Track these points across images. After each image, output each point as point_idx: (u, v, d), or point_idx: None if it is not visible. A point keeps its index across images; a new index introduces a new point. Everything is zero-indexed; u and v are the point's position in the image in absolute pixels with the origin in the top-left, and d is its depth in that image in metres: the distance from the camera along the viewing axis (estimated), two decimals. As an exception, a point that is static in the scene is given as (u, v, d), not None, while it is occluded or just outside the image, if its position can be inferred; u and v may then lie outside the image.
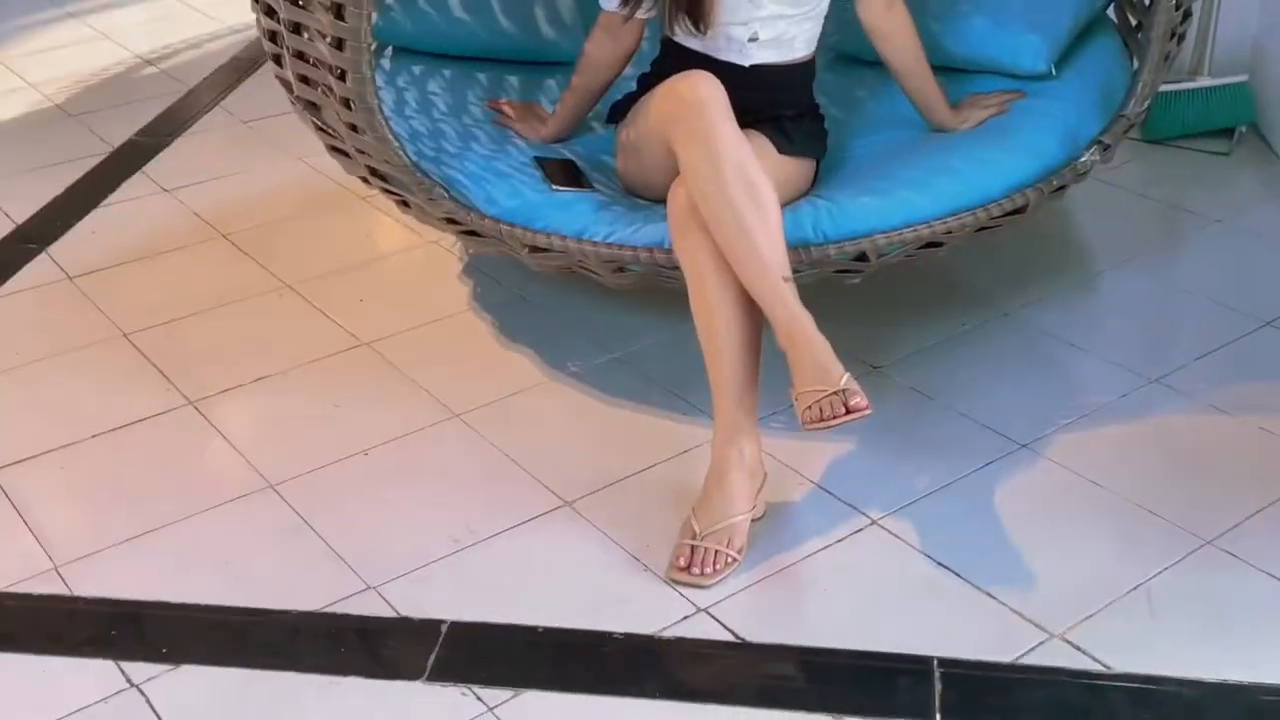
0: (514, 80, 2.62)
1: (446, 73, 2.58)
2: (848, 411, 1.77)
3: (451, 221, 2.22)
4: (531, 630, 1.79)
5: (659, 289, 2.23)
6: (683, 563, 1.86)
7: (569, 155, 2.37)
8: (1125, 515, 1.97)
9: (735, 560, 1.87)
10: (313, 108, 2.24)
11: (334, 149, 2.32)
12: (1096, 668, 1.70)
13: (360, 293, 2.67)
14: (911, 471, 2.07)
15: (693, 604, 1.82)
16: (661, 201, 2.15)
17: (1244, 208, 2.85)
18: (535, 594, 1.85)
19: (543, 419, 2.25)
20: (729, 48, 2.19)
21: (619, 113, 2.32)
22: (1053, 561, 1.87)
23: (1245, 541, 1.90)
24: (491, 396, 2.30)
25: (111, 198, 3.10)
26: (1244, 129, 3.10)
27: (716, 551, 1.86)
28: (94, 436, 2.23)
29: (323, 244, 2.87)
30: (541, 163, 2.30)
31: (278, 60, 2.28)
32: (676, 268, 2.06)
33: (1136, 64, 2.42)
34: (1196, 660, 1.70)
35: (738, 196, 1.90)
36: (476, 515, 2.01)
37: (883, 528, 1.96)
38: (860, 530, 1.96)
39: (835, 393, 1.78)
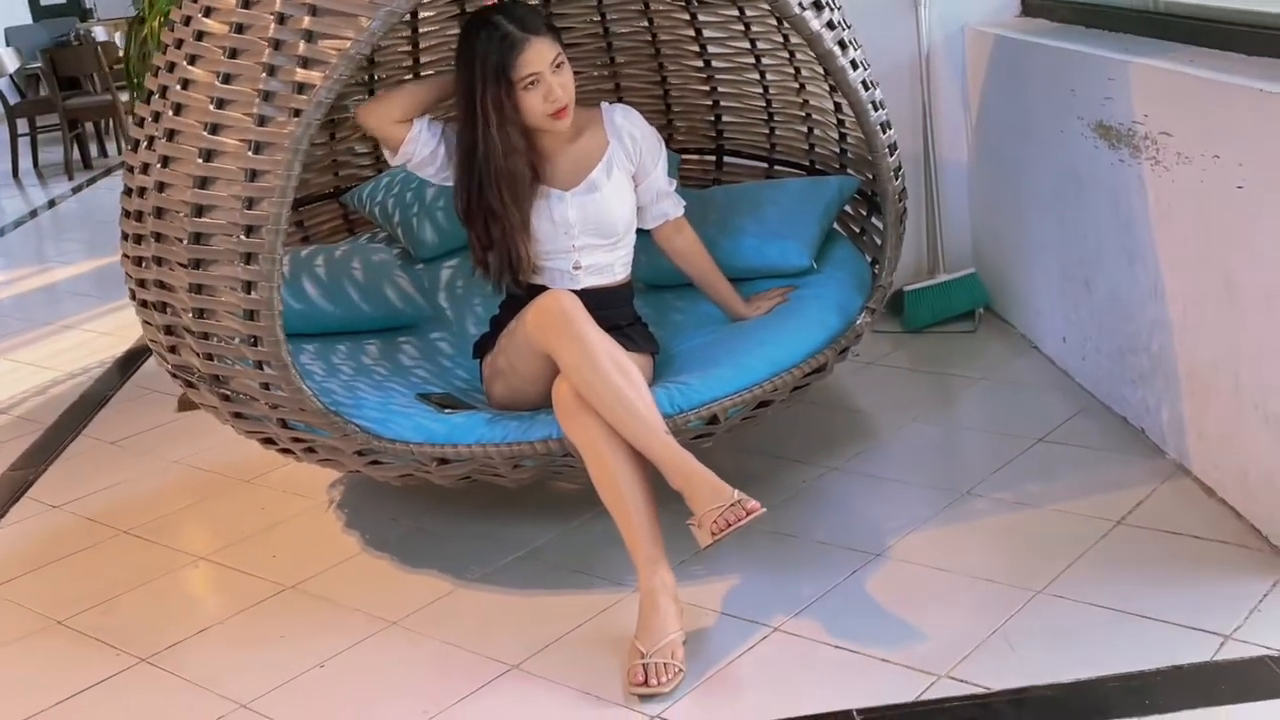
0: (372, 347, 3.01)
1: (310, 347, 2.93)
2: (747, 514, 2.17)
3: (361, 454, 2.56)
4: (514, 761, 2.06)
5: (551, 482, 2.61)
6: (639, 678, 2.18)
7: (444, 390, 2.78)
8: (971, 586, 2.41)
9: (681, 670, 2.20)
10: (217, 380, 2.56)
11: (237, 415, 2.63)
12: (980, 690, 2.09)
13: (271, 551, 2.93)
14: (794, 588, 2.46)
15: (646, 715, 2.14)
16: (537, 409, 2.57)
17: (997, 366, 3.47)
18: (507, 738, 2.13)
19: (470, 611, 2.55)
20: (561, 279, 2.68)
21: (482, 349, 2.75)
22: (926, 627, 2.28)
23: (1066, 586, 2.36)
24: (420, 604, 2.59)
25: (3, 522, 3.28)
26: (982, 310, 3.76)
27: (665, 664, 2.19)
28: (58, 703, 2.39)
29: (220, 522, 3.13)
30: (426, 397, 2.70)
31: (174, 350, 2.62)
32: (567, 455, 2.47)
33: (870, 256, 3.07)
34: (1053, 671, 2.11)
35: (613, 376, 2.34)
36: (436, 690, 2.28)
37: (784, 631, 2.33)
38: (766, 637, 2.32)
39: (733, 504, 2.18)
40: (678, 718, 2.12)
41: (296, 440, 2.58)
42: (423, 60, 3.31)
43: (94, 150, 9.88)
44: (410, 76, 3.31)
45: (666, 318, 3.01)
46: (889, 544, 2.58)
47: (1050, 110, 3.18)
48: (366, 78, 3.29)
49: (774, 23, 3.03)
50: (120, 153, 9.63)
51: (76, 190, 8.72)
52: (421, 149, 2.60)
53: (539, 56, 2.52)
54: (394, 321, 3.07)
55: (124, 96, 8.99)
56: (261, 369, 2.43)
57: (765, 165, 3.36)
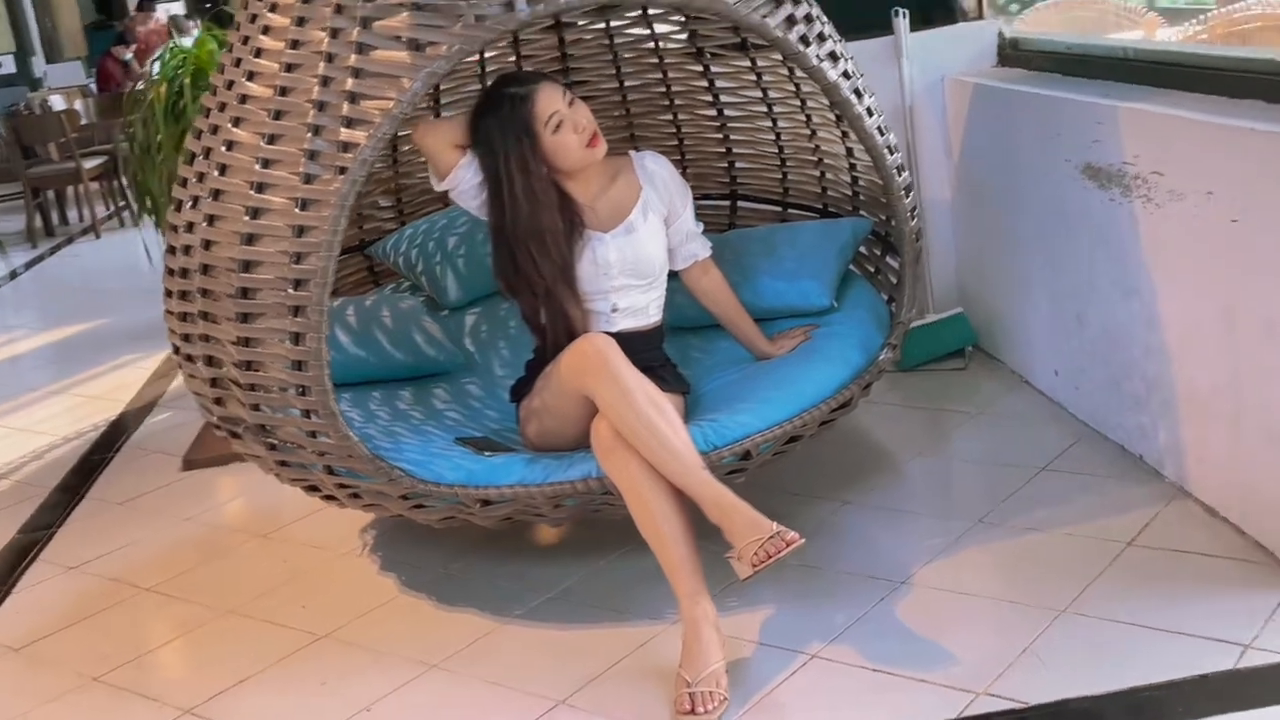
0: (405, 393, 3.09)
1: (347, 395, 2.99)
2: (787, 545, 2.25)
3: (406, 498, 2.63)
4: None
5: (588, 520, 2.71)
6: (686, 706, 2.25)
7: (482, 433, 2.85)
8: (996, 608, 2.51)
9: (726, 699, 2.27)
10: (263, 430, 2.63)
11: (283, 463, 2.70)
12: (1018, 705, 2.19)
13: (299, 601, 2.97)
14: (827, 618, 2.55)
15: (703, 738, 2.21)
16: (574, 449, 2.65)
17: (991, 401, 3.59)
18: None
19: (511, 650, 2.62)
20: (597, 321, 2.77)
21: (519, 392, 2.83)
22: (958, 648, 2.38)
23: (1088, 605, 2.46)
24: (458, 646, 2.65)
25: (21, 584, 3.29)
26: (970, 348, 3.90)
27: (710, 693, 2.26)
28: (108, 756, 2.43)
29: (243, 576, 3.16)
30: (465, 441, 2.78)
31: (219, 401, 2.69)
32: (607, 493, 2.55)
33: (887, 295, 3.18)
34: (1085, 684, 2.21)
35: (650, 415, 2.43)
36: (490, 730, 2.34)
37: (821, 658, 2.42)
38: (805, 664, 2.41)
39: (772, 536, 2.27)
40: (731, 743, 2.20)
41: (341, 486, 2.64)
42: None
43: (55, 217, 9.86)
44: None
45: (687, 358, 3.10)
46: (912, 572, 2.68)
47: (1036, 153, 3.32)
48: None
49: (785, 72, 3.16)
50: (82, 220, 9.63)
51: (37, 260, 8.68)
52: (471, 178, 2.68)
53: (550, 98, 2.64)
54: (425, 367, 3.15)
55: (88, 163, 9.04)
56: (309, 417, 2.49)
57: (779, 209, 3.49)
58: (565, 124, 2.64)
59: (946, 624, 2.48)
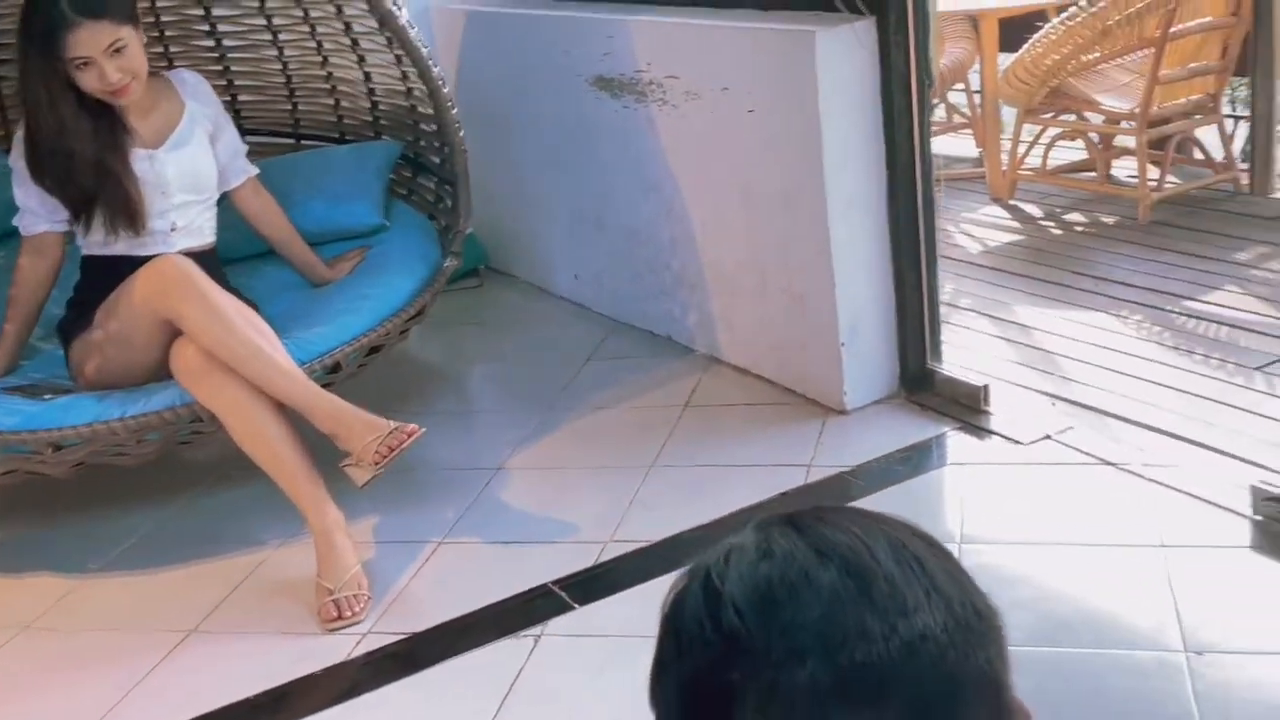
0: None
1: None
2: (409, 436, 2.29)
3: (-37, 453, 2.36)
4: (248, 701, 2.07)
5: (149, 467, 2.61)
6: (332, 614, 2.25)
7: (28, 381, 2.61)
8: (592, 474, 2.72)
9: (369, 598, 2.29)
10: None
11: None
12: (643, 544, 2.41)
13: None
14: (438, 511, 2.62)
15: (358, 634, 2.22)
16: (145, 382, 2.51)
17: (517, 311, 3.78)
18: (223, 689, 2.11)
19: (111, 599, 2.45)
20: (154, 242, 2.62)
21: (69, 331, 2.61)
22: (573, 513, 2.56)
23: (670, 458, 2.74)
24: (44, 606, 2.44)
25: None
26: (483, 267, 4.07)
27: (354, 596, 2.27)
28: None
29: None
30: (13, 390, 2.53)
31: None
32: (196, 419, 2.44)
33: (426, 214, 3.26)
34: (691, 518, 2.47)
35: (246, 331, 2.36)
36: (119, 669, 2.20)
37: (448, 544, 2.50)
38: (434, 552, 2.48)
39: (391, 431, 2.30)
40: (389, 627, 2.23)
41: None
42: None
43: None
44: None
45: (234, 283, 2.99)
46: (505, 459, 2.82)
47: (543, 73, 3.54)
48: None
49: (291, -1, 3.12)
50: None
51: None
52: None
53: (90, 41, 2.43)
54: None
55: None
56: None
57: (291, 141, 3.42)
58: (90, 69, 2.45)
59: (554, 495, 2.65)
